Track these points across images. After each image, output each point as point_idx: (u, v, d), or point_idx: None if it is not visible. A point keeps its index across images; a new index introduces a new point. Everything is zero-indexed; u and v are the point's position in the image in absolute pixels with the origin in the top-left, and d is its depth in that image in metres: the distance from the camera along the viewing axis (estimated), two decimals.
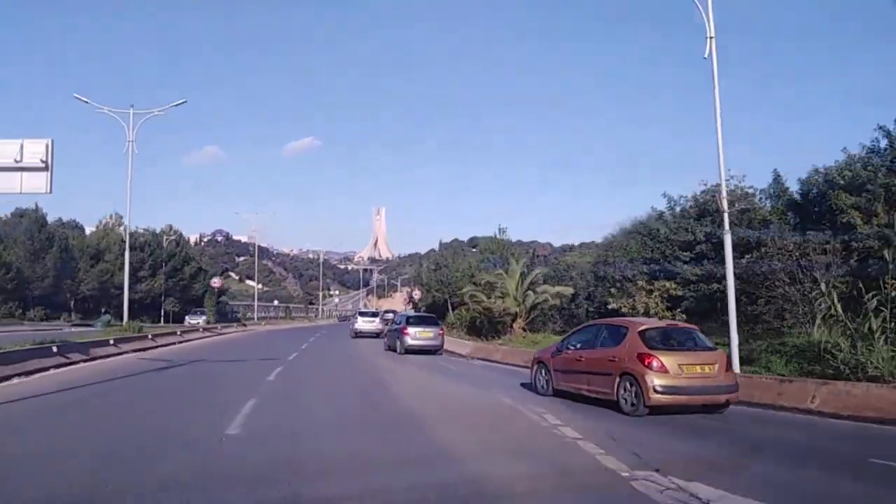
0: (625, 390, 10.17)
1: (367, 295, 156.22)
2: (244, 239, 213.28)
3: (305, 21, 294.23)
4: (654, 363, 9.85)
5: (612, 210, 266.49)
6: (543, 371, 12.67)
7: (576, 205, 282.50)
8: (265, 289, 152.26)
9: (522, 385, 13.88)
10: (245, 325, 46.79)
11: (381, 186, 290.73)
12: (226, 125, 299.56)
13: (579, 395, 11.37)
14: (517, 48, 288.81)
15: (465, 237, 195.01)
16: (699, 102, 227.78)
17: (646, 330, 10.67)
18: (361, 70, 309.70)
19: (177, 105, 31.46)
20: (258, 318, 60.18)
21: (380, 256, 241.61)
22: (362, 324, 36.97)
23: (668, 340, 10.67)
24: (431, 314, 31.30)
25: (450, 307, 40.48)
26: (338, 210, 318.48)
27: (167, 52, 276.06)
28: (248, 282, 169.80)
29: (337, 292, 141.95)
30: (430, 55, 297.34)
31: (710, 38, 13.42)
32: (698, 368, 10.08)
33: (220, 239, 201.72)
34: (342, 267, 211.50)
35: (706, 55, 13.47)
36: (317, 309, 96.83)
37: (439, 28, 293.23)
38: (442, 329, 26.36)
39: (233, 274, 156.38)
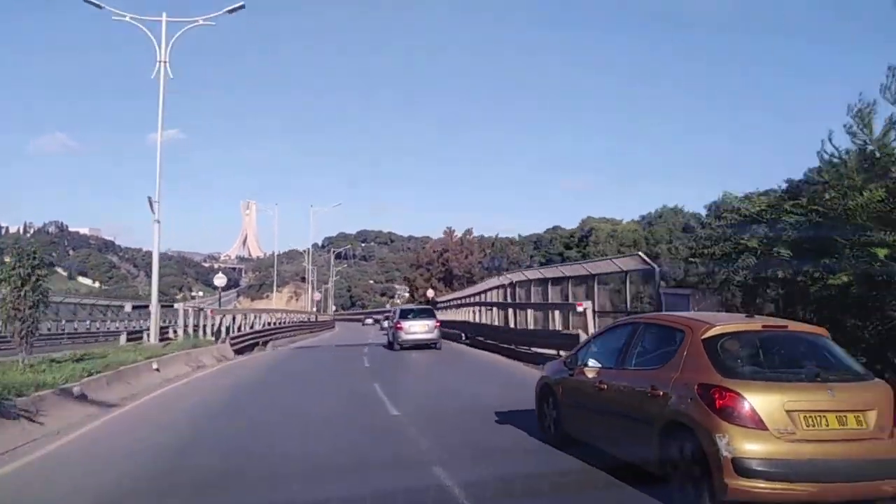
0: (673, 461, 4.72)
1: (238, 296, 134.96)
2: (85, 231, 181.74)
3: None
4: (739, 407, 4.44)
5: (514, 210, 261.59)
6: (550, 400, 7.10)
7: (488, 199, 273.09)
8: (104, 287, 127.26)
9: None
10: None
11: (252, 182, 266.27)
12: (75, 111, 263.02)
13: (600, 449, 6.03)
14: (408, 31, 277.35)
15: (350, 232, 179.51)
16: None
17: (719, 336, 4.96)
18: (230, 55, 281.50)
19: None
20: None
21: (249, 255, 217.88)
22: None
23: (765, 359, 5.01)
24: (427, 306, 27.90)
25: None
26: (203, 206, 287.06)
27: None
28: (82, 279, 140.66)
29: (201, 293, 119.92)
30: (305, 38, 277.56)
31: None
32: (834, 420, 4.52)
33: (52, 230, 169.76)
34: (206, 265, 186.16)
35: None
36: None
37: (320, 10, 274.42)
38: (438, 321, 24.11)
39: (60, 269, 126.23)
